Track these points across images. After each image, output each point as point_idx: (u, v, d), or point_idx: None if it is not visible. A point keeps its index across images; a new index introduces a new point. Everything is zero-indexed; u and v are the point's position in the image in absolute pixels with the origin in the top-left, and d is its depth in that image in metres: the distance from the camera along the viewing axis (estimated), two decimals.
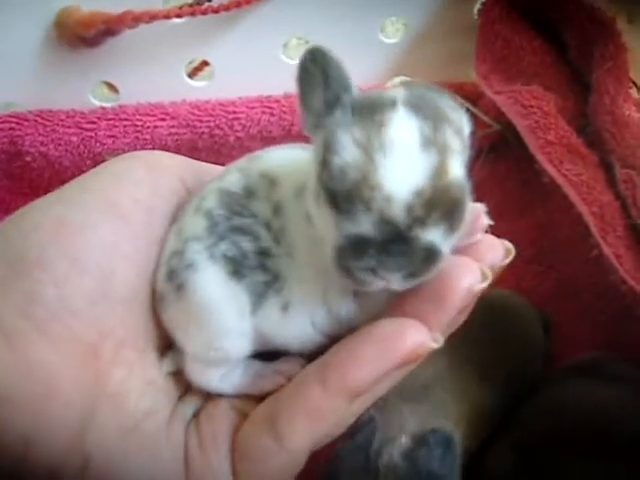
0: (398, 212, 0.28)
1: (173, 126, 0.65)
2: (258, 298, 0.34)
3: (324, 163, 0.30)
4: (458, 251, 0.32)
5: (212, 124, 0.66)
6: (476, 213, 0.33)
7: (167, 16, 0.57)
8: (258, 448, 0.32)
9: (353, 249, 0.29)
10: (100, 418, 0.32)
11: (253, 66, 0.67)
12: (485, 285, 0.32)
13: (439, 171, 0.29)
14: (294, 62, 0.68)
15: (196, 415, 0.35)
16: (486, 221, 0.34)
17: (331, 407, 0.30)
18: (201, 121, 0.66)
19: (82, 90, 0.65)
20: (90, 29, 0.57)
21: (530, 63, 0.59)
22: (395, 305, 0.32)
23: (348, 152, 0.29)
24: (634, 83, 0.55)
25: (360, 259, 0.29)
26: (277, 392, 0.33)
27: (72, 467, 0.30)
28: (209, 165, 0.40)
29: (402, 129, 0.29)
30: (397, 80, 0.71)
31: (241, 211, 0.34)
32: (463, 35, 0.68)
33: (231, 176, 0.35)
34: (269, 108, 0.67)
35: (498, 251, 0.33)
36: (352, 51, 0.66)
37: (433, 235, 0.29)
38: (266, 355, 0.37)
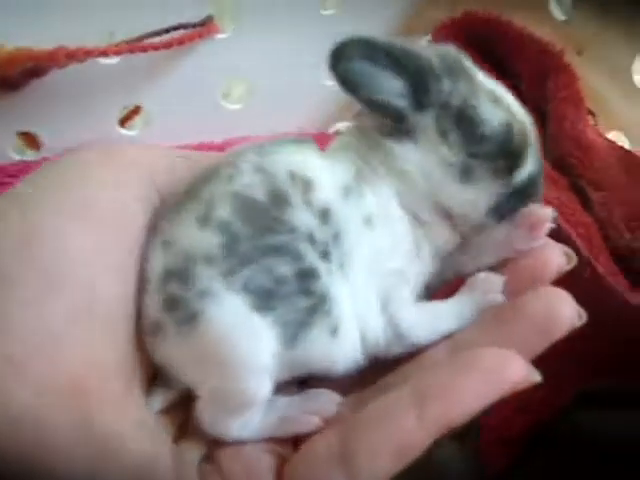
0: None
1: None
2: (297, 328, 0.28)
3: (477, 135, 0.31)
4: (525, 254, 0.32)
5: None
6: (544, 217, 0.32)
7: (104, 53, 0.52)
8: None
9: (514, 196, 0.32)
10: (100, 469, 0.26)
11: (190, 112, 0.63)
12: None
13: None
14: (234, 107, 0.64)
15: (207, 458, 0.30)
16: (550, 225, 0.32)
17: (423, 440, 0.26)
18: None
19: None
20: (14, 67, 0.51)
21: None
22: (491, 327, 0.30)
23: (495, 114, 0.32)
24: (590, 112, 0.55)
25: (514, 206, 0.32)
26: (346, 424, 0.28)
27: None
28: (185, 153, 0.35)
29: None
30: (340, 125, 0.69)
31: (273, 225, 0.29)
32: None
33: (245, 177, 0.30)
34: None
35: (561, 257, 0.31)
36: (294, 94, 0.64)
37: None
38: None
